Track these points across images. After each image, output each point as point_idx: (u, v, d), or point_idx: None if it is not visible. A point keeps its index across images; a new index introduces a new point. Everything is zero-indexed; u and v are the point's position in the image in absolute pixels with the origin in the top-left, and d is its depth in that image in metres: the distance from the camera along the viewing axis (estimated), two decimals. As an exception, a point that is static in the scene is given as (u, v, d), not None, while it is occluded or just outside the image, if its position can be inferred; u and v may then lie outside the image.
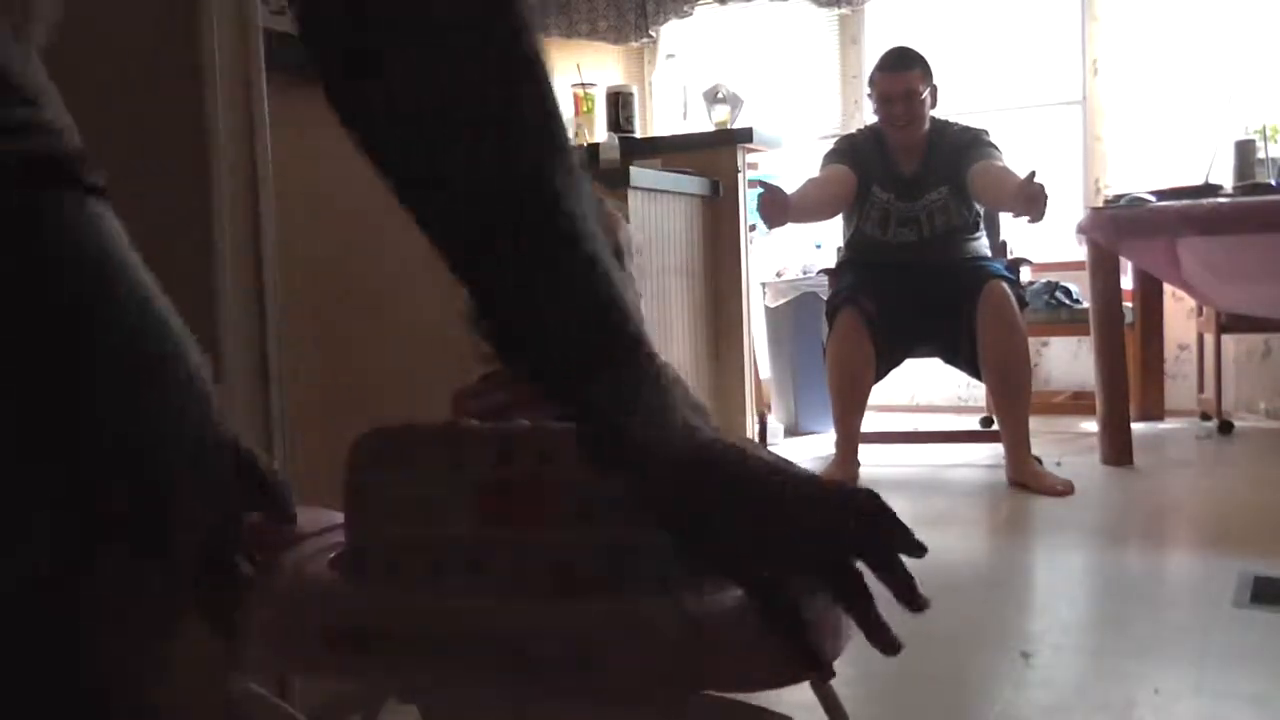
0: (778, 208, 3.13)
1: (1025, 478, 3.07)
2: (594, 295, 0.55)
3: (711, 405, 2.92)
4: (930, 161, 3.29)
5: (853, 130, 3.86)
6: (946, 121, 3.35)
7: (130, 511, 0.43)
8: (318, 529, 0.72)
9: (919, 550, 0.57)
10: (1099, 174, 4.59)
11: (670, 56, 5.44)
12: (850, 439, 3.25)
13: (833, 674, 0.60)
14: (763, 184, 3.19)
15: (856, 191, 3.33)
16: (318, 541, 0.71)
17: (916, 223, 3.29)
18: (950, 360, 3.33)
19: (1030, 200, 2.86)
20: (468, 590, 0.65)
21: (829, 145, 3.53)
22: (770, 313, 4.30)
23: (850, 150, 3.40)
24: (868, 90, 3.40)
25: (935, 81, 3.29)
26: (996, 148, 3.25)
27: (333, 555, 0.70)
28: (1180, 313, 4.34)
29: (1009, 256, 3.51)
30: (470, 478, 0.67)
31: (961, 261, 3.26)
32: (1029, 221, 2.94)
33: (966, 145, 3.24)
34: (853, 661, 0.89)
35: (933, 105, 3.31)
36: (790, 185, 3.24)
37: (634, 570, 0.62)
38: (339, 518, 0.71)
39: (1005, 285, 3.11)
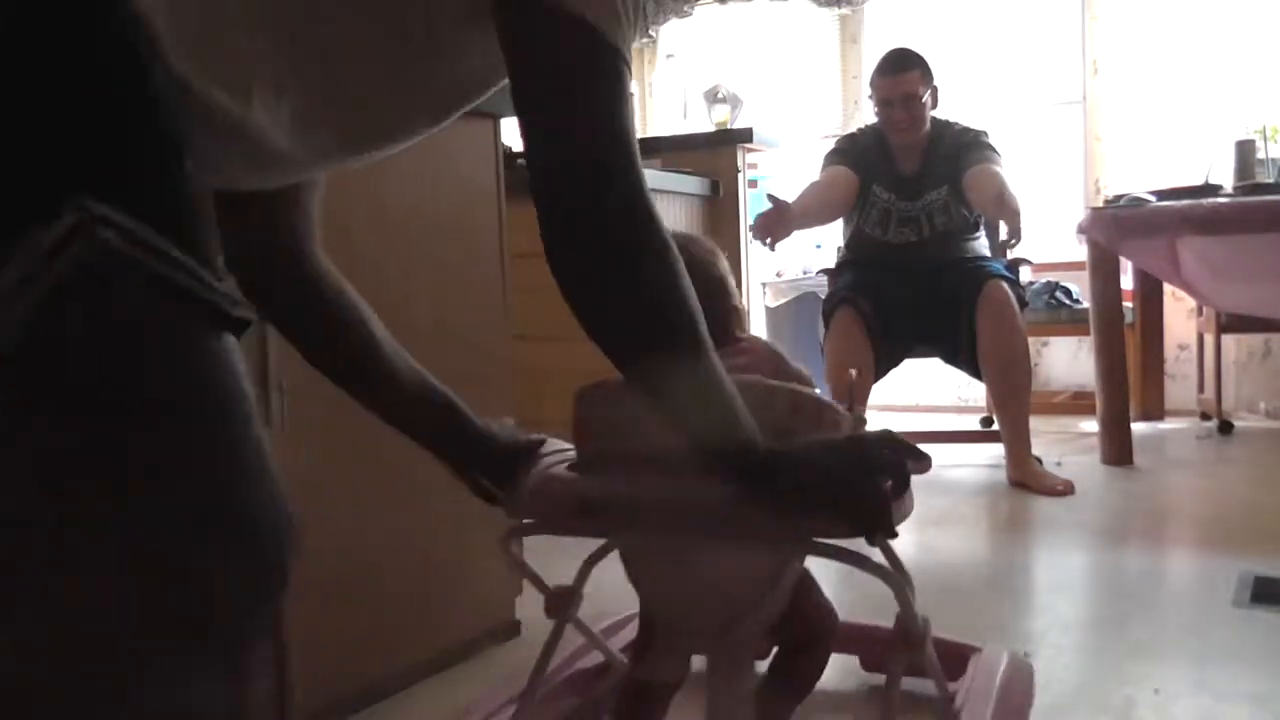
0: (781, 221, 3.13)
1: (1025, 477, 3.07)
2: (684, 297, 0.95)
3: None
4: (931, 161, 3.29)
5: (853, 130, 3.86)
6: (948, 122, 3.34)
7: None
8: (555, 449, 1.15)
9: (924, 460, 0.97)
10: (1099, 174, 4.60)
11: (670, 56, 5.44)
12: (850, 439, 3.25)
13: (895, 534, 0.91)
14: (770, 197, 3.19)
15: (858, 191, 3.33)
16: (558, 456, 1.14)
17: (917, 223, 3.29)
18: (950, 360, 3.33)
19: (1007, 218, 2.91)
20: (651, 479, 1.00)
21: (830, 145, 3.53)
22: (770, 313, 4.31)
23: (852, 150, 3.40)
24: (869, 93, 3.40)
25: (935, 82, 3.29)
26: (995, 150, 3.25)
27: (568, 464, 1.11)
28: (1180, 313, 4.34)
29: (1009, 256, 3.51)
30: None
31: (961, 261, 3.26)
32: (1009, 239, 2.97)
33: (966, 146, 3.24)
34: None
35: (933, 106, 3.30)
36: (791, 186, 3.24)
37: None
38: (566, 444, 1.15)
39: (1005, 285, 3.11)
